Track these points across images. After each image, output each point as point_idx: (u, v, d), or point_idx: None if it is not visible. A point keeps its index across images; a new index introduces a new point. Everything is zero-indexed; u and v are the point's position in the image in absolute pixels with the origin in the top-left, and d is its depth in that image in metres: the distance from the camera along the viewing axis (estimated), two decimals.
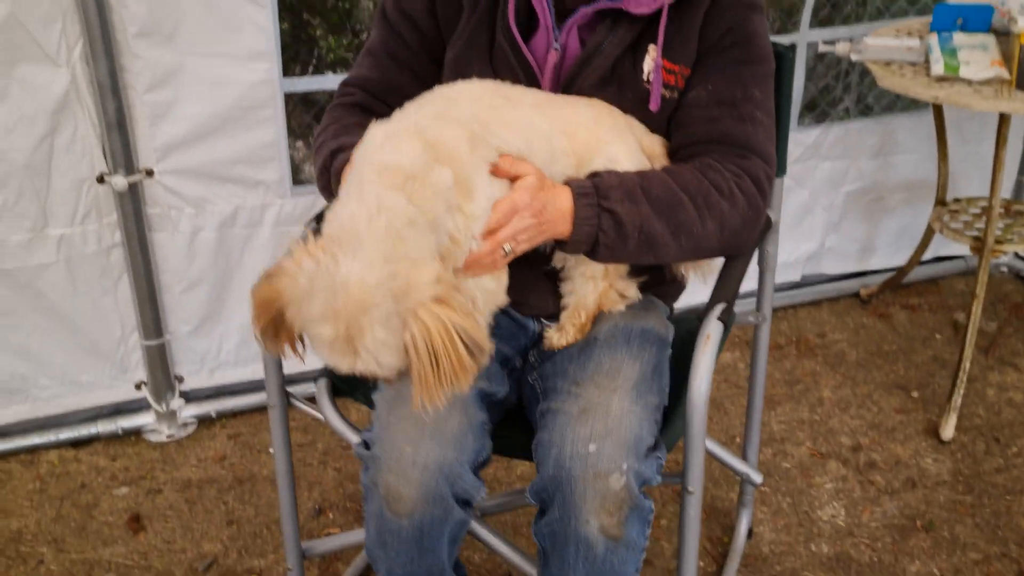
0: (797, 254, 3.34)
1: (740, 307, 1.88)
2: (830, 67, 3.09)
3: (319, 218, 1.70)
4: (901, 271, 3.32)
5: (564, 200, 1.52)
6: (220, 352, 2.78)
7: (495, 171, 1.50)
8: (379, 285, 1.30)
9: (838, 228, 3.37)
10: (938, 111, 2.97)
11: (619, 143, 1.62)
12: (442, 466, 1.51)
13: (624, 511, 1.49)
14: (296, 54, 2.58)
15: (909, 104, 3.16)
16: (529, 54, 1.66)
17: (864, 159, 3.26)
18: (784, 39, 2.89)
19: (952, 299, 3.43)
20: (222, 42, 2.39)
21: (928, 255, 3.35)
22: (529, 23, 1.68)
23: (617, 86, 1.67)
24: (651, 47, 1.64)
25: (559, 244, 1.57)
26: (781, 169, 1.94)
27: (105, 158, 2.41)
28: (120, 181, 2.40)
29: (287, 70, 2.52)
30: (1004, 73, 2.48)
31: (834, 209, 3.32)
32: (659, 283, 1.82)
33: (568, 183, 1.55)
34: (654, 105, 1.66)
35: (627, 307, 1.73)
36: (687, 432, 1.58)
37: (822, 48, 2.77)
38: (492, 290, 1.56)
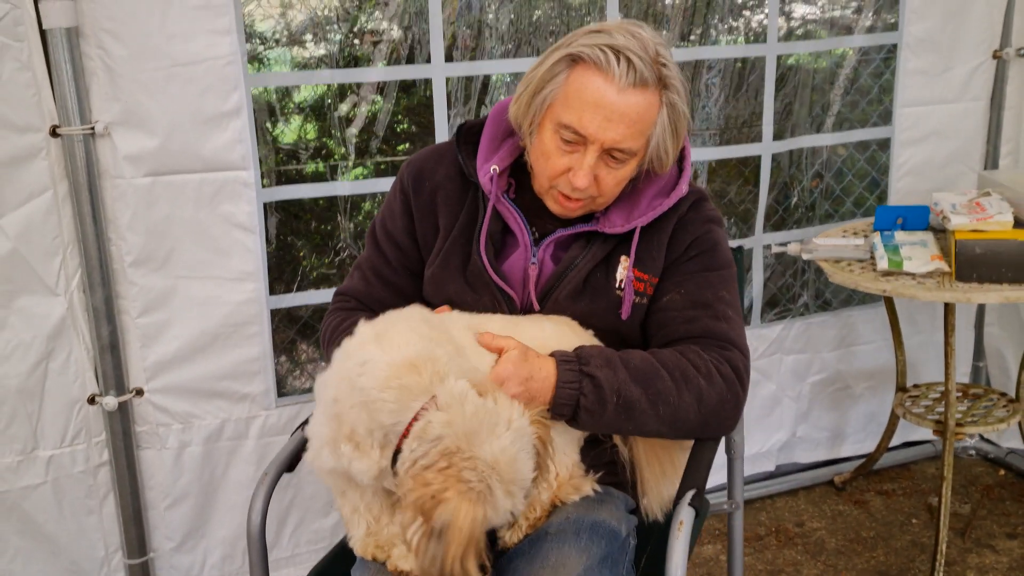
0: (769, 444, 3.42)
1: (715, 498, 1.94)
2: (788, 266, 3.28)
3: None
4: (871, 457, 3.40)
5: (548, 368, 1.63)
6: (204, 567, 2.76)
7: (480, 341, 1.62)
8: None
9: (807, 418, 3.47)
10: (889, 303, 3.14)
11: None
12: None
13: None
14: (281, 274, 2.72)
15: (865, 297, 3.34)
16: (496, 276, 1.80)
17: (826, 351, 3.41)
18: (742, 242, 3.08)
19: (925, 483, 3.49)
20: (213, 265, 2.53)
21: (898, 440, 3.45)
22: (506, 241, 1.84)
23: (590, 296, 1.81)
24: (623, 259, 1.81)
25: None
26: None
27: (97, 380, 2.49)
28: (111, 401, 2.48)
29: (272, 289, 2.66)
30: (944, 266, 2.67)
31: (802, 399, 3.43)
32: (618, 476, 1.87)
33: (552, 353, 1.66)
34: (625, 313, 1.81)
35: (582, 499, 1.75)
36: None
37: (775, 249, 2.95)
38: None
